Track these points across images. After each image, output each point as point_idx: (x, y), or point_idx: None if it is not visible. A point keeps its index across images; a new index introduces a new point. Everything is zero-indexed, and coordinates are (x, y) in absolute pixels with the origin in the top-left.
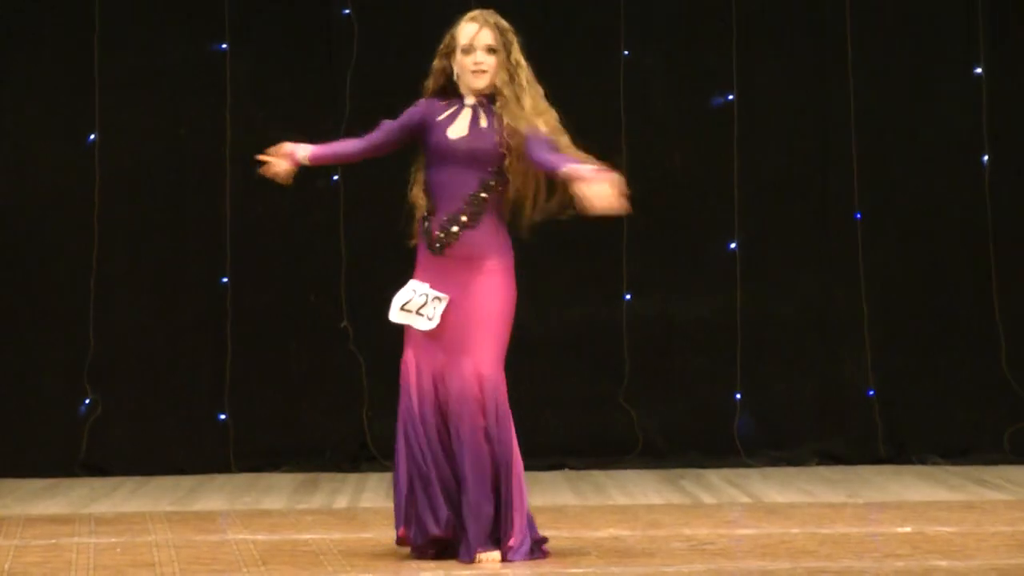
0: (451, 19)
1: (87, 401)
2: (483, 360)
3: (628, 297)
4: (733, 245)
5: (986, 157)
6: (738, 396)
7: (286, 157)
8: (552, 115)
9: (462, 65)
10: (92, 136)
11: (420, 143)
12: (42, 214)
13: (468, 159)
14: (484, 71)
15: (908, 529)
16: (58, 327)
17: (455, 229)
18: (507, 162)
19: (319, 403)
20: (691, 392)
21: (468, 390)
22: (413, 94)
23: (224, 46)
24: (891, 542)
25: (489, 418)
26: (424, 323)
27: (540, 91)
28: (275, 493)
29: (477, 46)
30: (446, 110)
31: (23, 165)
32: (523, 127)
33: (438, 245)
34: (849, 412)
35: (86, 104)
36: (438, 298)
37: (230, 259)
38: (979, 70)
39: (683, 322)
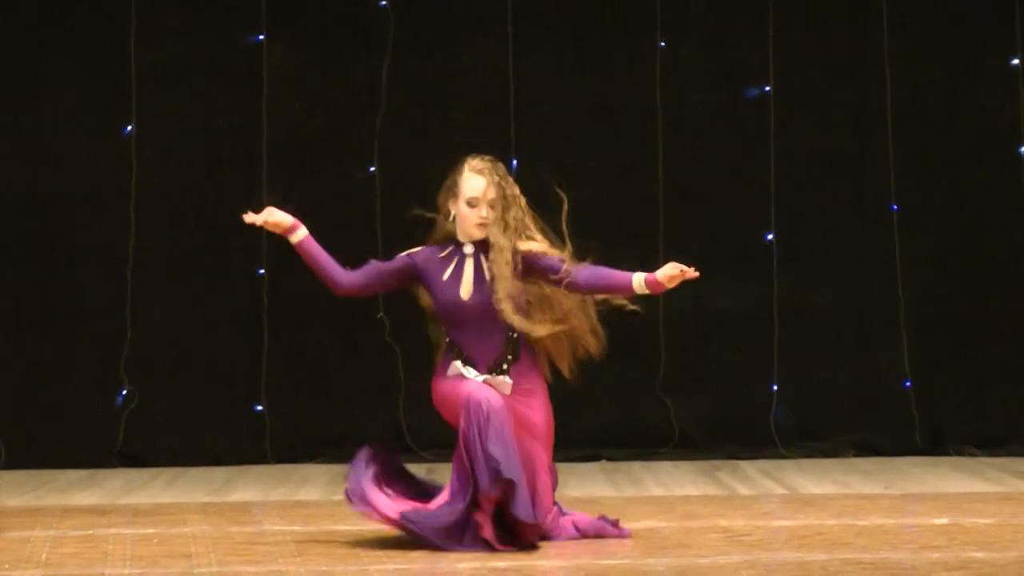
0: (486, 10)
1: (124, 392)
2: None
3: None
4: (770, 236)
5: (1023, 148)
6: (774, 387)
7: (284, 223)
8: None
9: (464, 216)
10: (129, 127)
11: (424, 291)
12: (79, 205)
13: (483, 313)
14: (486, 224)
15: (944, 521)
16: (95, 318)
17: (505, 367)
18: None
19: (355, 394)
20: (727, 384)
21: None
22: (449, 85)
23: (261, 37)
24: (927, 534)
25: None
26: (506, 384)
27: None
28: (311, 484)
29: (482, 201)
30: (447, 264)
31: (60, 156)
32: (512, 258)
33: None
34: (885, 403)
35: (123, 95)
36: (504, 382)
37: (267, 250)
38: (1016, 61)
39: (719, 314)
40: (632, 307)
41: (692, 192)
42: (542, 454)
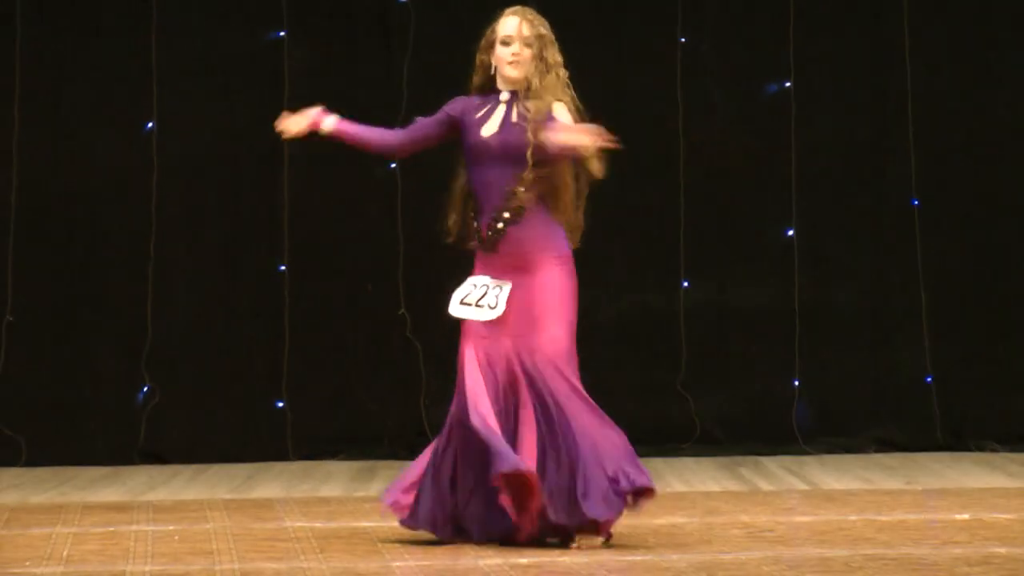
0: (507, 6)
1: (145, 389)
2: (558, 337)
3: (686, 284)
4: (791, 232)
5: None
6: (796, 383)
7: (309, 119)
8: (570, 104)
9: (499, 57)
10: (150, 124)
11: (459, 143)
12: (100, 203)
13: (502, 155)
14: (520, 62)
15: (966, 516)
16: (116, 315)
17: (500, 226)
18: (531, 153)
19: (377, 390)
20: (749, 379)
21: (548, 360)
22: (469, 82)
23: (282, 34)
24: (949, 529)
25: (574, 381)
26: (487, 313)
27: (569, 93)
28: (333, 481)
29: (516, 38)
30: (481, 108)
31: (81, 154)
32: (542, 117)
33: (489, 243)
34: (907, 399)
35: (144, 93)
36: (499, 285)
37: (288, 247)
38: None
39: (741, 309)
40: None
41: (713, 188)
42: (556, 336)
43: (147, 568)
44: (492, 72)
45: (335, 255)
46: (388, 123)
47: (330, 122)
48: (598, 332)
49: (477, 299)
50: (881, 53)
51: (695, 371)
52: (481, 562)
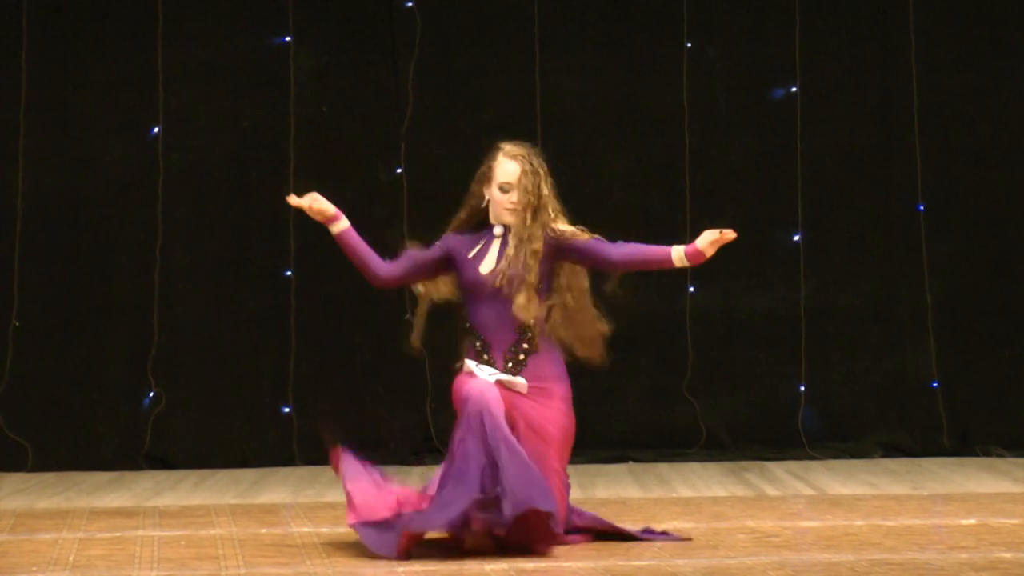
0: (513, 10)
1: (151, 394)
2: (560, 470)
3: (692, 289)
4: (797, 237)
5: None
6: (802, 388)
7: (327, 211)
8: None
9: (497, 201)
10: (156, 129)
11: (455, 279)
12: (106, 207)
13: (502, 293)
14: (516, 210)
15: (972, 521)
16: (122, 320)
17: (522, 357)
18: (515, 292)
19: (383, 396)
20: (755, 384)
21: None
22: (475, 85)
23: (287, 39)
24: (955, 534)
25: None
26: (516, 384)
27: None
28: (338, 486)
29: (515, 187)
30: (474, 245)
31: (87, 158)
32: (567, 241)
33: (503, 369)
34: (913, 404)
35: (150, 97)
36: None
37: (294, 252)
38: None
39: (747, 314)
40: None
41: (719, 192)
42: (552, 459)
43: (153, 573)
44: (484, 205)
45: (341, 261)
46: (393, 128)
47: (341, 226)
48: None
49: (491, 374)
50: (887, 58)
51: (701, 376)
52: (487, 567)
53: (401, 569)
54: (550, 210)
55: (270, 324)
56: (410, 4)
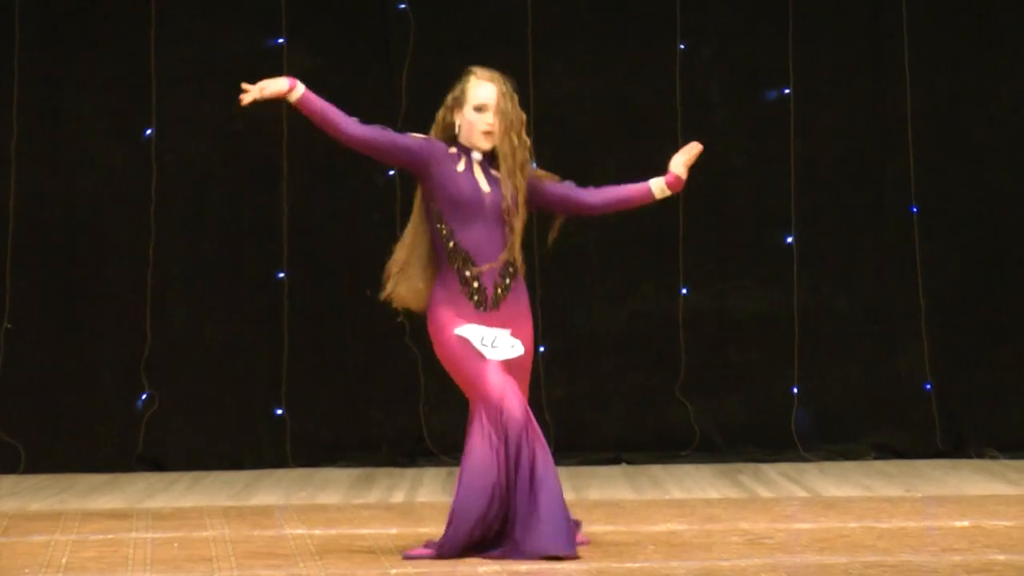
0: (506, 13)
1: (144, 396)
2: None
3: (685, 291)
4: (790, 239)
5: None
6: (795, 390)
7: (281, 87)
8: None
9: (471, 123)
10: (149, 131)
11: (423, 185)
12: (99, 209)
13: (495, 214)
14: (493, 134)
15: (966, 523)
16: (115, 322)
17: (508, 281)
18: (513, 217)
19: (376, 398)
20: (748, 386)
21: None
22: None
23: (281, 41)
24: (949, 536)
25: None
26: (510, 352)
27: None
28: (332, 488)
29: (491, 108)
30: (458, 161)
31: (81, 160)
32: (541, 182)
33: (493, 301)
34: (906, 406)
35: (143, 99)
36: (503, 331)
37: (287, 253)
38: None
39: (740, 316)
40: None
41: (712, 194)
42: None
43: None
44: (455, 132)
45: (334, 261)
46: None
47: (299, 91)
48: (597, 339)
49: (492, 341)
50: (880, 60)
51: (694, 378)
52: (480, 569)
53: (394, 571)
54: (527, 142)
55: (263, 326)
56: (404, 6)
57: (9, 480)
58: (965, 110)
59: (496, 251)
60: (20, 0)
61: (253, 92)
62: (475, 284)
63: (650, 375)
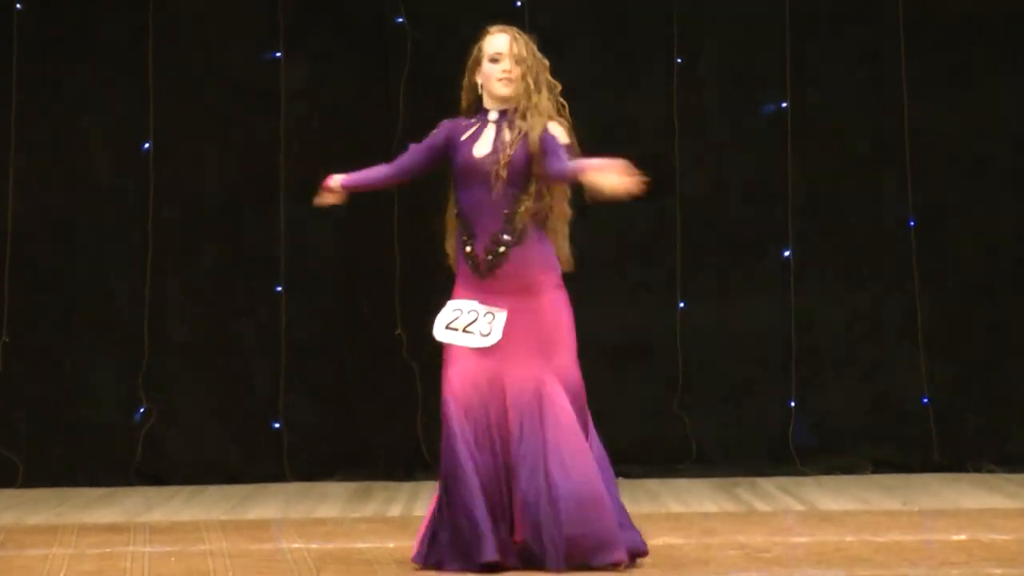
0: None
1: (142, 409)
2: (569, 366)
3: (683, 305)
4: (787, 253)
5: None
6: (792, 404)
7: (328, 191)
8: (565, 125)
9: (488, 74)
10: (146, 144)
11: (448, 164)
12: (96, 222)
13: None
14: (511, 79)
15: (963, 537)
16: (112, 335)
17: (502, 249)
18: (534, 172)
19: (373, 411)
20: (745, 400)
21: (562, 390)
22: (459, 106)
23: (278, 54)
24: (946, 550)
25: (581, 417)
26: (477, 340)
27: (558, 102)
28: (329, 501)
29: (506, 55)
30: (469, 128)
31: (78, 173)
32: (539, 134)
33: (486, 267)
34: (904, 420)
35: (140, 112)
36: (491, 312)
37: (284, 267)
38: None
39: (737, 330)
40: None
41: (709, 209)
42: (570, 365)
43: None
44: (479, 92)
45: (331, 275)
46: (384, 143)
47: (336, 180)
48: (595, 352)
49: (465, 325)
50: (877, 74)
51: (692, 392)
52: None
53: None
54: (551, 97)
55: (260, 340)
56: (401, 20)
57: (6, 494)
58: (963, 124)
59: (492, 217)
60: (18, 13)
61: (327, 200)
62: (467, 249)
63: (648, 389)
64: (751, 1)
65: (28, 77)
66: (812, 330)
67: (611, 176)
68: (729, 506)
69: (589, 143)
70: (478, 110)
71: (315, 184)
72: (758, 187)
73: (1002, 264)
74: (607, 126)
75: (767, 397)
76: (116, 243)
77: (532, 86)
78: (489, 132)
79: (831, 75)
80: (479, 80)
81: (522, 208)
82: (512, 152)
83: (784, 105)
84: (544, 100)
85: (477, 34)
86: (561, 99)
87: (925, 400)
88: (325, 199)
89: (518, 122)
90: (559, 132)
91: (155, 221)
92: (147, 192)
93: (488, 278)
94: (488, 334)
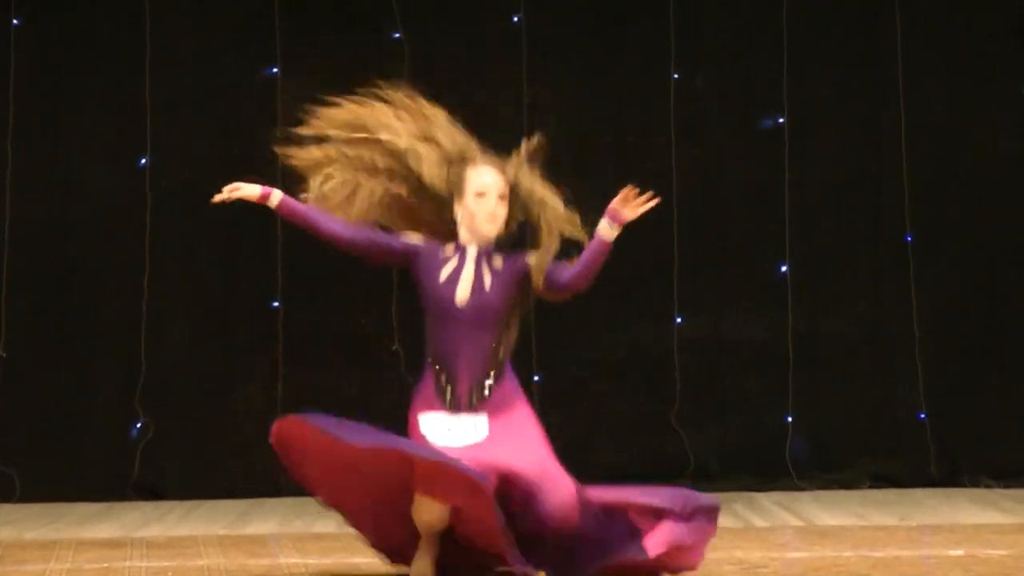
0: (501, 42)
1: (139, 424)
2: (565, 482)
3: (679, 319)
4: (784, 267)
5: None
6: (789, 418)
7: (254, 192)
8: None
9: (472, 212)
10: (143, 159)
11: (417, 289)
12: (94, 237)
13: (476, 320)
14: (496, 219)
15: (961, 552)
16: (109, 350)
17: (486, 392)
18: (510, 315)
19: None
20: (742, 414)
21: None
22: (463, 116)
23: (275, 69)
24: (943, 565)
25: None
26: (466, 438)
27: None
28: (327, 516)
29: (492, 192)
30: (446, 263)
31: (75, 188)
32: (544, 274)
33: (467, 406)
34: (901, 434)
35: (137, 127)
36: (472, 419)
37: (281, 282)
38: None
39: (734, 344)
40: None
41: (706, 223)
42: (551, 458)
43: None
44: (457, 220)
45: (328, 290)
46: None
47: (276, 197)
48: (592, 367)
49: (448, 427)
50: (875, 88)
51: (689, 406)
52: None
53: None
54: (541, 203)
55: (258, 354)
56: (398, 36)
57: (4, 509)
58: (960, 139)
59: (473, 359)
60: (15, 28)
61: (224, 193)
62: (448, 391)
63: (645, 403)
64: (749, 16)
65: (25, 92)
66: (809, 344)
67: (629, 210)
68: (726, 521)
69: (585, 156)
70: (455, 236)
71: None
72: (755, 200)
73: (999, 279)
74: (604, 141)
75: (764, 412)
76: (113, 258)
77: (530, 217)
78: (468, 271)
79: (828, 89)
80: (459, 211)
81: (503, 347)
82: (495, 296)
83: (781, 120)
84: (546, 223)
85: (474, 49)
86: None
87: (922, 415)
88: (245, 194)
89: (495, 259)
90: (547, 252)
91: (152, 236)
92: (144, 207)
93: (466, 411)
94: (476, 431)
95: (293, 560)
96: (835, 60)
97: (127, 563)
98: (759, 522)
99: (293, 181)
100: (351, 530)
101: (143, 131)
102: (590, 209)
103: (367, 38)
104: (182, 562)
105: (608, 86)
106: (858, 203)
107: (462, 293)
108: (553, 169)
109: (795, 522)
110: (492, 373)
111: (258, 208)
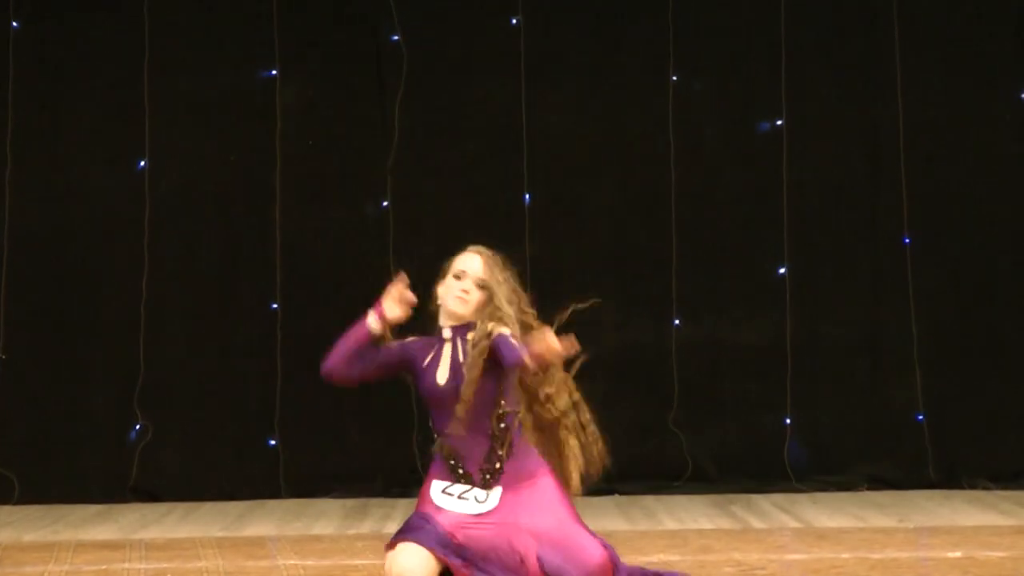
0: (499, 45)
1: (137, 427)
2: (593, 544)
3: (677, 322)
4: (782, 270)
5: None
6: (787, 421)
7: (402, 305)
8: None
9: (448, 288)
10: (142, 162)
11: (415, 386)
12: (92, 240)
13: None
14: (467, 300)
15: (958, 554)
16: (109, 353)
17: (498, 465)
18: (497, 389)
19: (369, 429)
20: (741, 417)
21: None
22: (462, 120)
23: (274, 73)
24: (941, 567)
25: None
26: (474, 506)
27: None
28: (325, 518)
29: (470, 275)
30: (428, 352)
31: (74, 191)
32: (488, 344)
33: (482, 483)
34: (899, 437)
35: (136, 130)
36: (484, 489)
37: (280, 285)
38: None
39: (733, 347)
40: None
41: (704, 226)
42: (578, 524)
43: None
44: (439, 303)
45: (327, 292)
46: (379, 161)
47: (374, 323)
48: (591, 369)
49: (461, 492)
50: (872, 91)
51: (687, 409)
52: None
53: None
54: (511, 306)
55: (256, 357)
56: (396, 38)
57: (3, 511)
58: (957, 142)
59: (480, 445)
60: (15, 32)
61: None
62: (459, 472)
63: (643, 406)
64: (747, 20)
65: (24, 95)
66: (807, 347)
67: (545, 342)
68: (725, 523)
69: (584, 162)
70: (436, 324)
71: (311, 199)
72: (754, 204)
73: (996, 282)
74: (602, 144)
75: (762, 414)
76: (112, 261)
77: (487, 312)
78: (446, 353)
79: (826, 92)
80: (440, 291)
81: (503, 424)
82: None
83: (779, 123)
84: (504, 316)
85: (472, 54)
86: (529, 308)
87: (920, 417)
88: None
89: (470, 338)
90: (504, 329)
91: (151, 239)
92: (143, 210)
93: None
94: (484, 501)
95: (291, 562)
96: (833, 63)
97: (126, 565)
98: (757, 524)
99: (291, 183)
100: (348, 532)
101: (142, 134)
102: (589, 210)
103: (365, 41)
104: (181, 564)
105: (606, 88)
106: (856, 205)
107: (441, 376)
108: (550, 169)
109: (793, 524)
110: (500, 449)
111: (257, 210)
